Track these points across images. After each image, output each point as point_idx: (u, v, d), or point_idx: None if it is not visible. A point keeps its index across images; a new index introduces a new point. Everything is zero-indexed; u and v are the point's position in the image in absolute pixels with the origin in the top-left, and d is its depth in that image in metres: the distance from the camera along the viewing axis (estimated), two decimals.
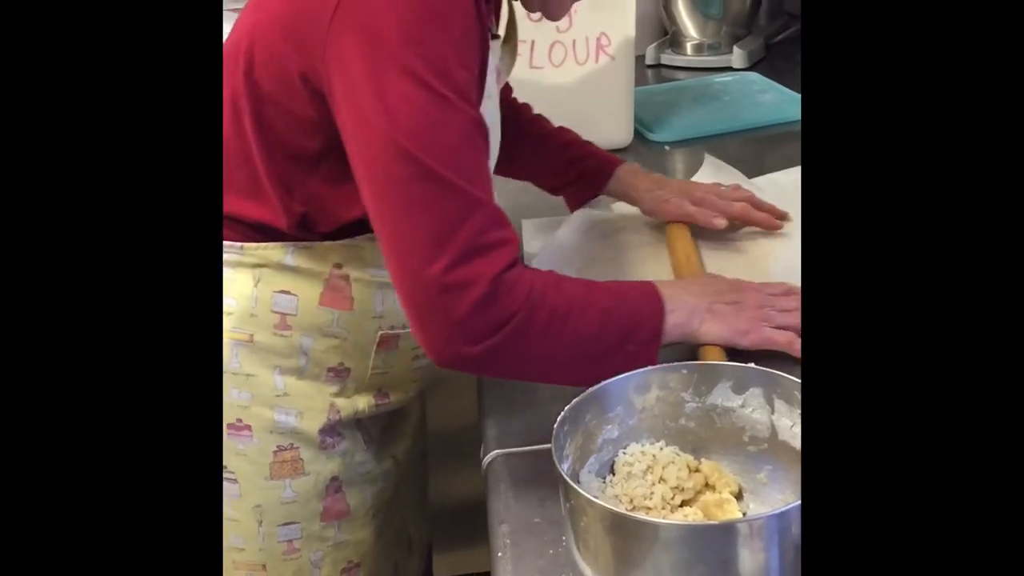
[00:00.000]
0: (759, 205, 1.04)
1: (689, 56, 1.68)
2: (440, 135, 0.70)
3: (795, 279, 0.88)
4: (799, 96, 1.45)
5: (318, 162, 0.78)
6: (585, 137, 1.31)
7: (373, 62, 0.69)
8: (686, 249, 0.99)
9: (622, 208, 1.11)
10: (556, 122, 1.29)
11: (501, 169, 0.94)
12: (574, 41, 1.26)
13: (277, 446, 0.84)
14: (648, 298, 0.79)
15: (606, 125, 1.32)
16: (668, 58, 1.69)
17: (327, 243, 0.82)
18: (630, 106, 1.33)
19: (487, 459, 0.79)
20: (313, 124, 0.76)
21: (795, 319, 0.82)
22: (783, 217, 1.04)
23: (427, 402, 1.04)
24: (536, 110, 1.29)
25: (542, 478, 0.73)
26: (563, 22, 1.23)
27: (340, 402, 0.86)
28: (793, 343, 0.81)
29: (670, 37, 1.71)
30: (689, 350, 0.81)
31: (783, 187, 1.12)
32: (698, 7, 1.64)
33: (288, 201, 0.80)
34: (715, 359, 0.80)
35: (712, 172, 1.18)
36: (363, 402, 0.87)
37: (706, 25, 1.65)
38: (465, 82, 0.72)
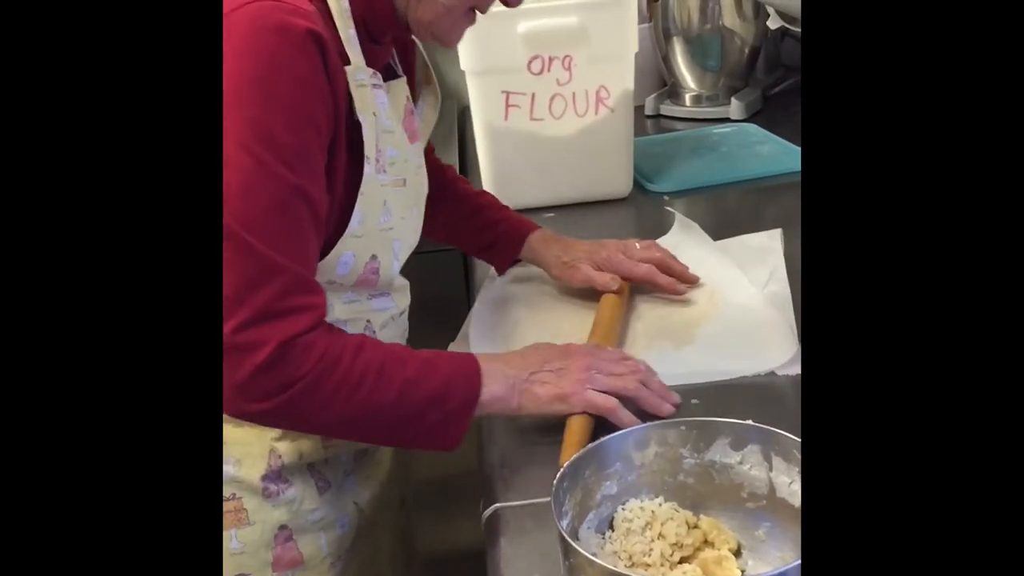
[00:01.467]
0: (668, 268, 1.06)
1: (688, 107, 1.70)
2: (252, 200, 0.71)
3: (718, 342, 0.94)
4: (797, 148, 1.47)
5: None
6: (585, 187, 1.34)
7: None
8: (609, 317, 0.99)
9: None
10: (558, 172, 1.32)
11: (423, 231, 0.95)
12: (574, 94, 1.28)
13: None
14: (464, 371, 0.80)
15: (606, 176, 1.34)
16: (667, 109, 1.71)
17: None
18: (630, 157, 1.35)
19: (487, 512, 0.79)
20: None
21: (623, 383, 0.83)
22: (691, 282, 1.06)
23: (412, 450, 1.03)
24: (537, 161, 1.32)
25: (542, 532, 0.73)
26: (563, 75, 1.26)
27: (282, 447, 0.85)
28: (616, 411, 0.81)
29: (669, 88, 1.74)
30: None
31: (751, 248, 1.13)
32: (696, 59, 1.67)
33: None
34: (580, 430, 0.80)
35: (680, 231, 1.20)
36: (308, 446, 0.86)
37: (704, 77, 1.68)
38: (292, 148, 0.72)
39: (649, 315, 1.03)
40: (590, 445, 0.68)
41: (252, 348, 0.71)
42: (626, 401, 0.83)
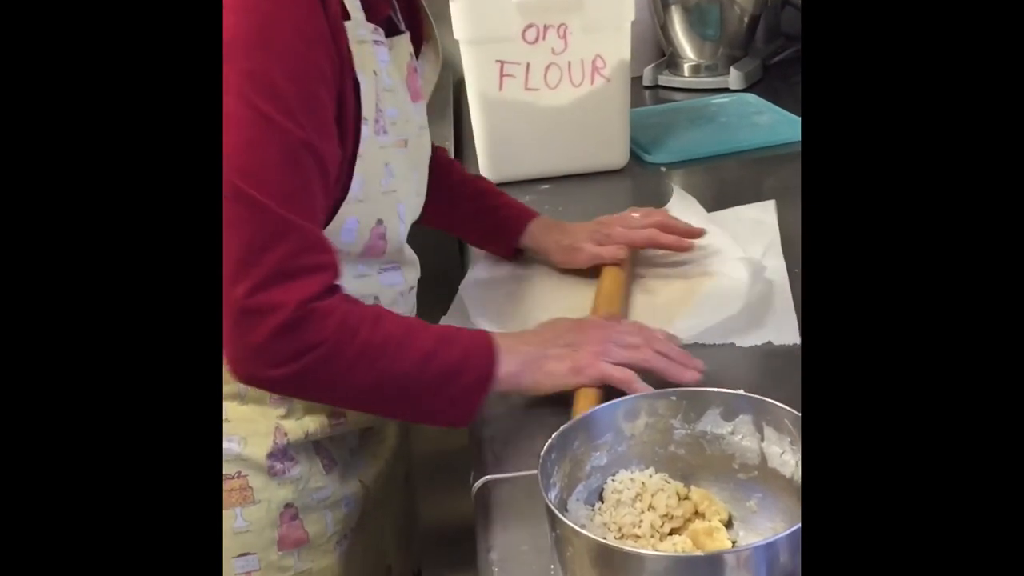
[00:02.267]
0: (670, 228, 1.04)
1: (686, 77, 1.68)
2: (256, 154, 0.69)
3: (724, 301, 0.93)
4: (796, 117, 1.45)
5: None
6: (582, 158, 1.33)
7: None
8: (612, 287, 0.98)
9: None
10: (553, 143, 1.31)
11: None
12: (569, 63, 1.26)
13: (224, 475, 0.82)
14: (479, 345, 0.78)
15: (602, 147, 1.33)
16: (665, 79, 1.69)
17: None
18: (626, 128, 1.33)
19: (477, 485, 0.78)
20: None
21: (640, 355, 0.81)
22: (695, 235, 1.04)
23: (413, 424, 1.03)
24: (532, 132, 1.30)
25: (531, 505, 0.72)
26: (558, 44, 1.25)
27: (288, 424, 0.83)
28: (632, 383, 0.79)
29: (667, 58, 1.71)
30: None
31: (744, 221, 1.12)
32: (695, 28, 1.64)
33: None
34: (588, 402, 0.78)
35: (678, 204, 1.18)
36: (314, 424, 0.84)
37: (703, 46, 1.66)
38: (295, 100, 0.70)
39: (640, 296, 1.01)
40: (579, 416, 0.68)
41: (269, 310, 0.69)
42: (647, 375, 0.80)
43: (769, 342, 0.89)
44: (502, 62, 1.25)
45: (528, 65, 1.25)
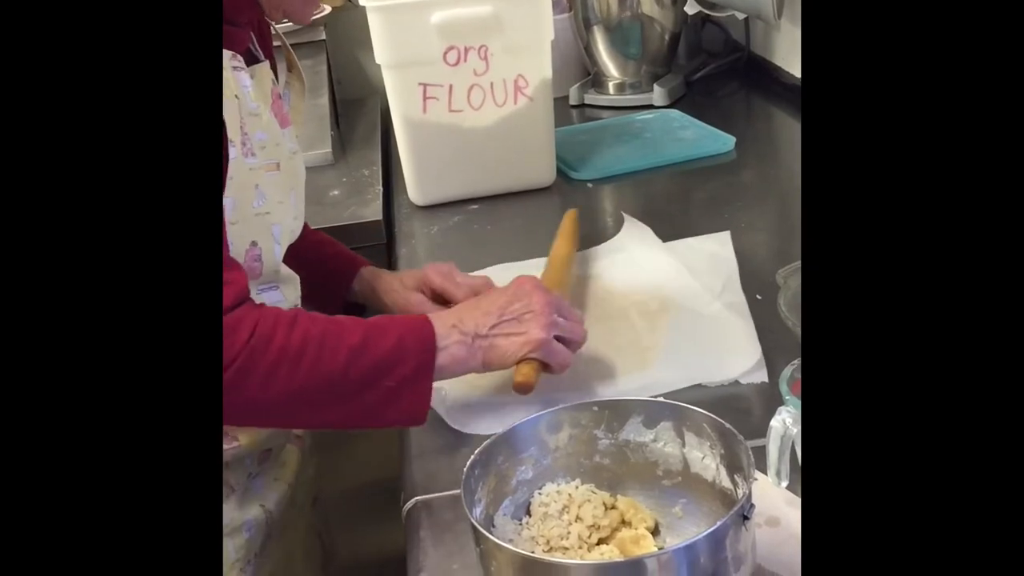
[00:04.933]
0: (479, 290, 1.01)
1: (611, 95, 1.70)
2: None
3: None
4: (719, 132, 1.48)
5: None
6: (509, 178, 1.34)
7: None
8: (561, 268, 0.98)
9: None
10: (480, 164, 1.31)
11: None
12: (492, 84, 1.27)
13: None
14: (416, 332, 0.76)
15: (528, 166, 1.34)
16: (591, 98, 1.72)
17: None
18: (551, 146, 1.34)
19: (407, 506, 0.78)
20: None
21: (580, 329, 0.83)
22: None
23: (329, 455, 1.01)
24: (458, 154, 1.31)
25: (461, 524, 0.72)
26: (480, 65, 1.25)
27: None
28: (567, 365, 0.81)
29: (592, 77, 1.74)
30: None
31: (699, 252, 1.09)
32: (617, 47, 1.67)
33: None
34: (527, 375, 0.78)
35: (630, 233, 1.16)
36: None
37: (626, 65, 1.68)
38: None
39: (599, 328, 0.96)
40: (501, 431, 0.68)
41: None
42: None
43: (736, 381, 0.85)
44: (425, 85, 1.26)
45: (451, 87, 1.26)
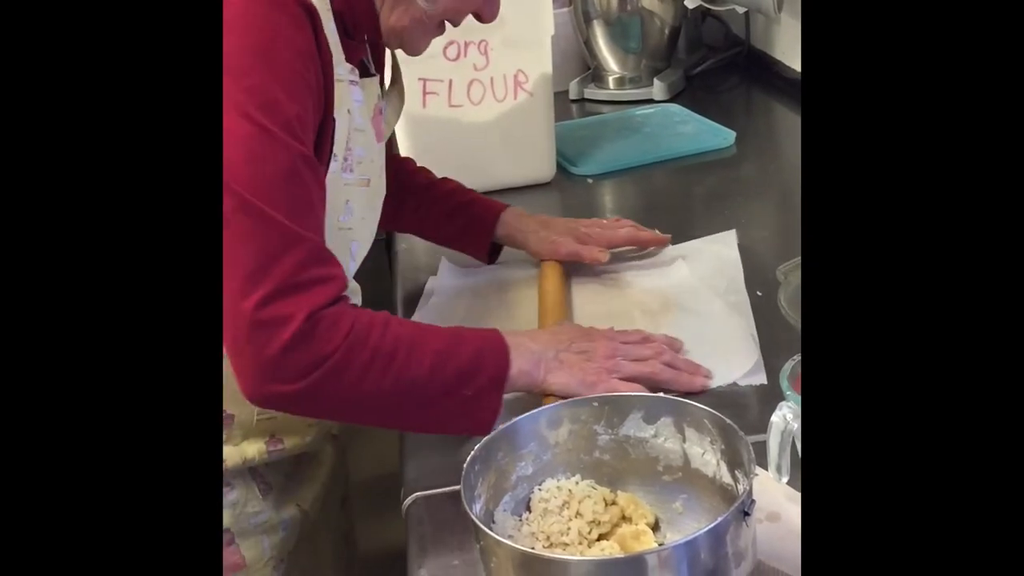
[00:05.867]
0: (642, 231, 1.08)
1: (611, 90, 1.70)
2: (260, 168, 0.69)
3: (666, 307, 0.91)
4: (718, 126, 1.47)
5: None
6: (508, 173, 1.33)
7: None
8: (554, 294, 0.99)
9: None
10: (480, 159, 1.31)
11: (387, 223, 0.93)
12: (492, 79, 1.26)
13: None
14: (491, 344, 0.78)
15: (528, 160, 1.33)
16: (591, 92, 1.71)
17: None
18: (551, 141, 1.34)
19: (407, 502, 0.78)
20: None
21: (649, 368, 0.82)
22: (662, 242, 1.09)
23: (350, 447, 1.03)
24: (458, 148, 1.30)
25: (461, 519, 0.72)
26: (480, 60, 1.25)
27: (226, 451, 0.83)
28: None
29: (592, 72, 1.73)
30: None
31: (704, 253, 1.08)
32: (617, 42, 1.67)
33: None
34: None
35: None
36: (253, 449, 0.84)
37: (626, 59, 1.68)
38: (295, 116, 0.71)
39: (600, 325, 0.93)
40: (501, 427, 0.68)
41: (280, 323, 0.68)
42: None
43: (735, 383, 0.85)
44: (424, 80, 1.25)
45: (451, 82, 1.26)
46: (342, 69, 0.78)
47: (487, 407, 0.76)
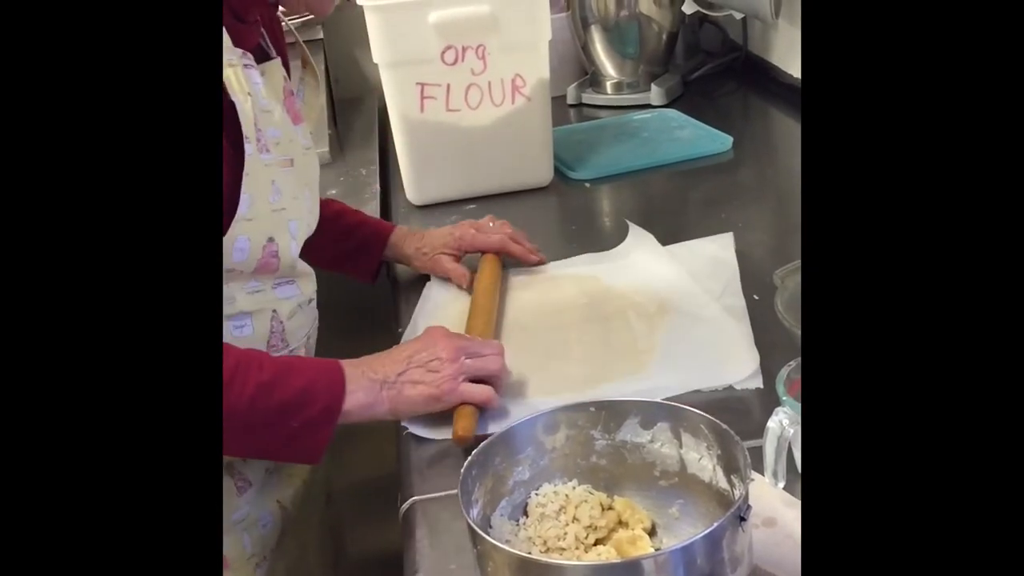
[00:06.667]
0: (516, 239, 1.11)
1: (609, 95, 1.70)
2: None
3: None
4: (716, 131, 1.48)
5: None
6: (506, 177, 1.34)
7: None
8: (483, 296, 1.01)
9: None
10: (477, 163, 1.31)
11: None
12: (489, 83, 1.27)
13: None
14: (326, 376, 0.78)
15: (526, 165, 1.34)
16: (589, 97, 1.72)
17: None
18: (549, 146, 1.34)
19: (404, 506, 0.78)
20: None
21: (494, 364, 0.83)
22: (538, 261, 1.11)
23: (342, 449, 1.02)
24: (456, 153, 1.31)
25: (458, 524, 0.72)
26: (477, 65, 1.26)
27: None
28: (493, 400, 0.81)
29: (590, 77, 1.74)
30: None
31: (701, 256, 1.08)
32: (615, 47, 1.67)
33: None
34: (466, 420, 0.79)
35: (634, 239, 1.15)
36: None
37: (624, 64, 1.69)
38: None
39: (596, 328, 0.98)
40: (499, 431, 0.68)
41: None
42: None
43: (731, 387, 0.85)
44: (422, 84, 1.26)
45: (448, 86, 1.26)
46: (231, 55, 0.78)
47: (312, 440, 0.77)
